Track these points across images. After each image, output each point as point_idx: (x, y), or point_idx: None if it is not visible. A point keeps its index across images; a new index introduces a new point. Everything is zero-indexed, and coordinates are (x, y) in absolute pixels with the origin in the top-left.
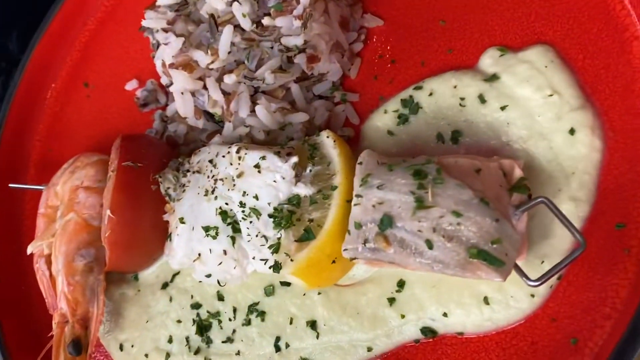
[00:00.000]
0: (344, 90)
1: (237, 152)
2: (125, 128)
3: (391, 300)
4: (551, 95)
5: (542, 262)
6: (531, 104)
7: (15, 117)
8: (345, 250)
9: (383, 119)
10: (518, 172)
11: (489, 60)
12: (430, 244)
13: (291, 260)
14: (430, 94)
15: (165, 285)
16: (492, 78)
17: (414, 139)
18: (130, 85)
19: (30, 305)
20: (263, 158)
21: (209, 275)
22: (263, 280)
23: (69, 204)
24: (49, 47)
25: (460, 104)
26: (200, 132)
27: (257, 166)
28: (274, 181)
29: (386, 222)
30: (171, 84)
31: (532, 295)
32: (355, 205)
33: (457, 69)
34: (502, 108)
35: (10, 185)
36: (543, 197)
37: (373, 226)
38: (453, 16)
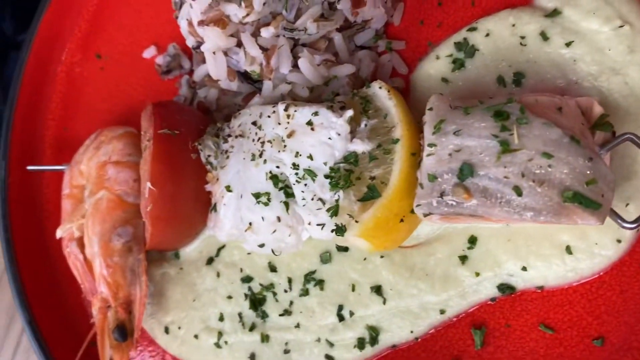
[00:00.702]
0: (388, 39)
1: (286, 109)
2: (147, 99)
3: (463, 259)
4: (622, 26)
5: (627, 204)
6: (599, 37)
7: (26, 97)
8: (418, 206)
9: (435, 66)
10: (598, 109)
11: None
12: (519, 191)
13: (356, 221)
14: (487, 35)
15: (210, 261)
16: (554, 13)
17: (473, 84)
18: (149, 53)
19: (61, 294)
20: (315, 114)
21: (262, 245)
22: (317, 247)
23: (97, 182)
24: (54, 21)
25: (520, 43)
26: (234, 96)
27: (309, 123)
28: (329, 138)
29: (466, 170)
30: (198, 45)
31: (619, 241)
32: (428, 155)
33: (513, 7)
34: (568, 44)
35: (28, 167)
36: (629, 134)
37: (450, 177)
38: None
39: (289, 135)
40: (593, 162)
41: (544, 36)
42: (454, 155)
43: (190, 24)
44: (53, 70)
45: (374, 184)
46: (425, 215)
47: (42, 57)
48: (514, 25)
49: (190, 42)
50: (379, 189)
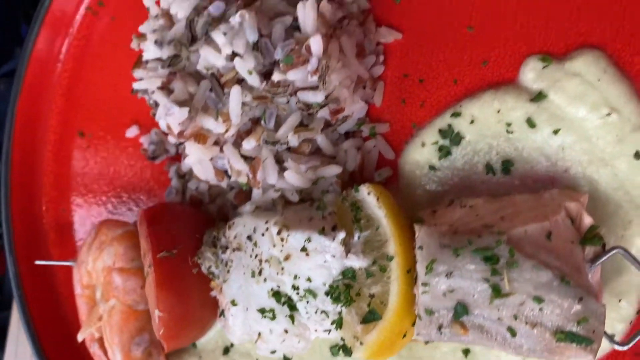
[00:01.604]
0: (371, 122)
1: (278, 233)
2: (138, 177)
3: (466, 352)
4: (609, 114)
5: (620, 300)
6: (587, 125)
7: (17, 183)
8: (418, 334)
9: (422, 153)
10: (587, 221)
11: (531, 74)
12: (513, 332)
13: (360, 343)
14: (472, 122)
15: (226, 351)
16: (539, 97)
17: (461, 172)
18: (131, 132)
19: None
20: (308, 240)
21: (273, 352)
22: (326, 339)
23: (106, 288)
24: (31, 100)
25: (507, 131)
26: (226, 191)
27: (303, 249)
28: (325, 261)
29: (461, 310)
30: (181, 143)
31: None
32: (423, 293)
33: (496, 85)
34: (555, 132)
35: (36, 262)
36: (619, 248)
37: (447, 313)
38: (481, 20)
39: (286, 259)
40: (583, 302)
41: (531, 123)
42: (448, 295)
43: (169, 127)
44: (39, 152)
45: (374, 305)
46: (427, 342)
47: (27, 140)
48: (499, 111)
49: (173, 140)
50: (379, 310)
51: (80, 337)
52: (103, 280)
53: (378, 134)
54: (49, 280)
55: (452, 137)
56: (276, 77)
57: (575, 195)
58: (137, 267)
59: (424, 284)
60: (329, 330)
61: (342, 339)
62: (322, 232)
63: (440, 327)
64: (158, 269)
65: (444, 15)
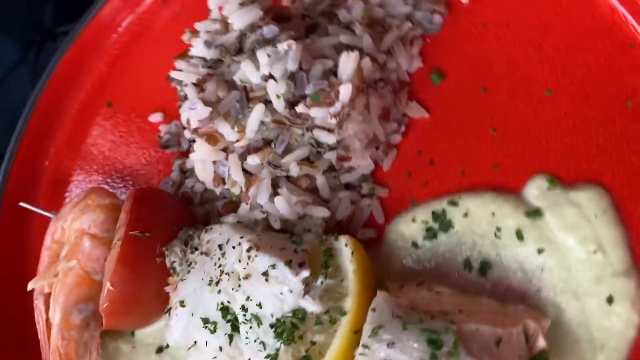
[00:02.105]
0: (373, 182)
1: (248, 250)
2: (142, 163)
3: None
4: (595, 252)
5: None
6: (572, 255)
7: (34, 130)
8: None
9: (410, 228)
10: (541, 344)
11: (535, 191)
12: None
13: None
14: (465, 215)
15: (160, 350)
16: (535, 214)
17: (439, 258)
18: (155, 118)
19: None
20: (273, 267)
21: None
22: None
23: (73, 248)
24: (76, 55)
25: (495, 234)
26: (218, 197)
27: (265, 274)
28: (281, 293)
29: None
30: (193, 140)
31: None
32: (360, 354)
33: (500, 190)
34: (540, 251)
35: (20, 203)
36: None
37: None
38: (506, 126)
39: (246, 277)
40: None
41: (519, 235)
42: None
43: (189, 122)
44: (64, 107)
45: (312, 352)
46: None
47: (58, 92)
48: (494, 214)
49: (188, 135)
50: (315, 359)
51: (30, 286)
52: (73, 241)
53: (376, 195)
54: (23, 225)
55: (443, 222)
56: (300, 108)
57: (539, 316)
58: (109, 238)
59: (365, 346)
60: None
61: None
62: (289, 264)
63: None
64: (125, 244)
65: (473, 111)
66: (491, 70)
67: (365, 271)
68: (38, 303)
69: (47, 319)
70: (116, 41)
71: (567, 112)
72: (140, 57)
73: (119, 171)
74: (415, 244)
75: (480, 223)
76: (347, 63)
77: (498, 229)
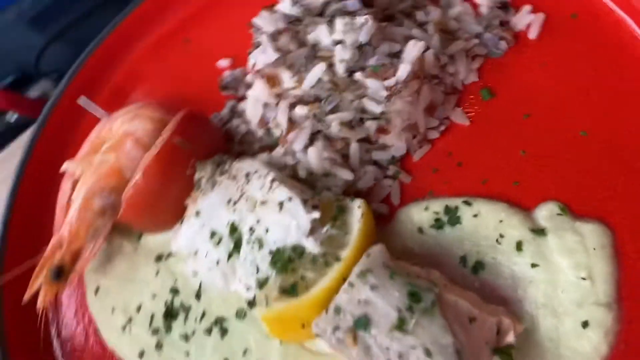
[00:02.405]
0: (400, 167)
1: (272, 181)
2: (199, 99)
3: None
4: (584, 279)
5: None
6: (562, 276)
7: (114, 41)
8: (315, 325)
9: (421, 214)
10: (510, 338)
11: (545, 213)
12: None
13: (266, 304)
14: (475, 216)
15: (159, 258)
16: (539, 232)
17: (439, 249)
18: (223, 62)
19: None
20: (289, 199)
21: (195, 274)
22: (240, 300)
23: (115, 145)
24: None
25: (497, 240)
26: (257, 141)
27: (280, 204)
28: (288, 225)
29: (362, 322)
30: (251, 87)
31: None
32: (344, 291)
33: (513, 203)
34: (533, 265)
35: (80, 98)
36: None
37: (349, 319)
38: (536, 152)
39: (262, 203)
40: None
41: (519, 246)
42: (362, 304)
43: (254, 65)
44: (148, 32)
45: (299, 283)
46: (317, 336)
47: (144, 18)
48: (501, 221)
49: (249, 78)
50: (300, 290)
51: (64, 167)
52: (117, 139)
53: (398, 179)
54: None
55: (453, 217)
56: (358, 76)
57: (515, 320)
58: (149, 145)
59: (350, 283)
60: (249, 288)
61: (254, 296)
62: (305, 202)
63: (335, 329)
64: (165, 147)
65: (510, 131)
66: (538, 101)
67: (369, 233)
68: (64, 185)
69: (69, 200)
70: None
71: (596, 155)
72: (228, 6)
73: (175, 100)
74: (421, 230)
75: (486, 226)
76: (413, 49)
77: (501, 236)
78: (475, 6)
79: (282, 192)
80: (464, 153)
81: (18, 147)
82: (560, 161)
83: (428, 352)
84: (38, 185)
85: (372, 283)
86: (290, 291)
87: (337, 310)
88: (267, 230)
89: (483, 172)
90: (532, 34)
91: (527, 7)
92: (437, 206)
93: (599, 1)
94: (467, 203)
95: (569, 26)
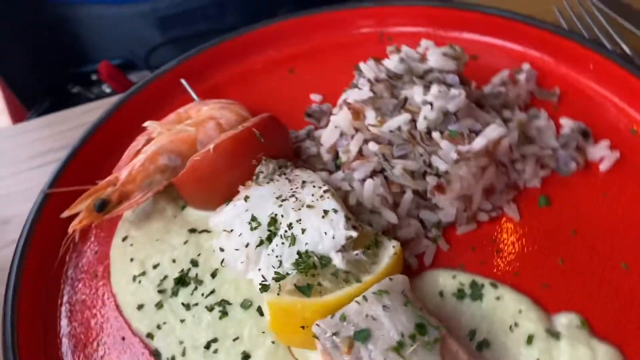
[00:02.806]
0: (442, 233)
1: (325, 191)
2: (283, 116)
3: None
4: None
5: None
6: None
7: (229, 47)
8: (317, 325)
9: (446, 280)
10: None
11: (564, 320)
12: None
13: (277, 293)
14: (498, 299)
15: (192, 231)
16: (554, 334)
17: (453, 315)
18: (315, 97)
19: None
20: (335, 211)
21: (222, 250)
22: (250, 291)
23: (198, 122)
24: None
25: (510, 327)
26: (321, 163)
27: (325, 212)
28: (325, 233)
29: (362, 335)
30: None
31: None
32: (355, 301)
33: (536, 300)
34: None
35: (181, 79)
36: None
37: (352, 328)
38: (574, 266)
39: (308, 206)
40: None
41: (530, 340)
42: (368, 319)
43: (345, 101)
44: (262, 53)
45: (314, 288)
46: (315, 336)
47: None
48: (520, 311)
49: (335, 111)
50: (312, 293)
51: (146, 123)
52: (201, 119)
53: (437, 243)
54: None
55: (475, 292)
56: (435, 135)
57: None
58: (226, 130)
59: (364, 297)
60: (265, 280)
61: (265, 282)
62: (347, 218)
63: (335, 334)
64: (243, 134)
65: (555, 240)
66: (589, 223)
67: (395, 270)
68: (140, 138)
69: (140, 150)
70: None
71: (629, 288)
72: (335, 50)
73: (262, 111)
74: (442, 294)
75: (505, 311)
76: (493, 131)
77: (516, 325)
78: (558, 126)
79: (330, 203)
80: (505, 244)
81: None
82: (594, 283)
83: None
84: (113, 137)
85: (385, 303)
86: (303, 290)
87: (343, 318)
88: (303, 231)
89: (518, 266)
90: (603, 167)
91: (605, 142)
92: (464, 279)
93: None
94: (494, 285)
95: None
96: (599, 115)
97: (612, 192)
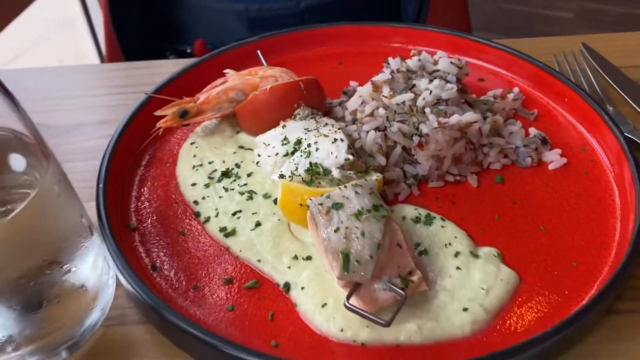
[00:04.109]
0: (417, 184)
1: (338, 128)
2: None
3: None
4: (483, 289)
5: None
6: (470, 282)
7: (289, 39)
8: (310, 200)
9: (410, 211)
10: (416, 278)
11: (487, 250)
12: (337, 229)
13: (290, 180)
14: (442, 227)
15: (241, 147)
16: (474, 255)
17: (407, 232)
18: (353, 83)
19: None
20: (341, 140)
21: (258, 156)
22: (272, 188)
23: (262, 76)
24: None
25: (445, 245)
26: (343, 122)
27: (335, 140)
28: (331, 153)
29: (337, 206)
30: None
31: None
32: (339, 187)
33: (471, 237)
34: (457, 268)
35: (257, 50)
36: (404, 299)
37: (330, 202)
38: (505, 221)
39: (324, 135)
40: (372, 259)
41: (456, 254)
42: (344, 198)
43: (371, 81)
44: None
45: (315, 183)
46: (304, 204)
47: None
48: (455, 237)
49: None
50: (312, 186)
51: (227, 70)
52: (265, 74)
53: (411, 188)
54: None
55: (428, 220)
56: (427, 110)
57: (425, 282)
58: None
59: (345, 186)
60: (284, 175)
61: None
62: (350, 147)
63: (320, 204)
64: (293, 84)
65: (496, 207)
66: (527, 200)
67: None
68: (219, 80)
69: (217, 85)
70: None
71: (540, 243)
72: (376, 50)
73: None
74: (404, 218)
75: (445, 234)
76: (470, 115)
77: (450, 244)
78: (527, 135)
79: (340, 135)
80: (460, 200)
81: None
82: (517, 234)
83: (362, 234)
84: (196, 82)
85: (357, 190)
86: (307, 182)
87: (328, 196)
88: (317, 150)
89: (464, 214)
90: (552, 167)
91: (558, 150)
92: (423, 212)
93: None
94: (442, 219)
95: (579, 177)
96: (562, 133)
97: (552, 184)
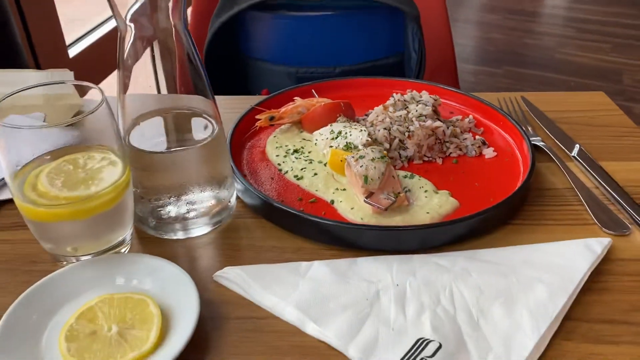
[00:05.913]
0: (407, 162)
1: (363, 127)
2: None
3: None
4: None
5: None
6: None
7: None
8: (348, 157)
9: (400, 172)
10: (402, 195)
11: (444, 191)
12: (362, 165)
13: (336, 148)
14: (419, 179)
15: (303, 139)
16: (435, 192)
17: None
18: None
19: None
20: (363, 131)
21: (315, 139)
22: (324, 159)
23: (317, 101)
24: None
25: (419, 187)
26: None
27: (361, 131)
28: (359, 137)
29: (361, 156)
30: None
31: None
32: (364, 149)
33: (436, 186)
34: (426, 193)
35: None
36: (394, 202)
37: (358, 155)
38: (457, 180)
39: (354, 128)
40: (387, 166)
41: (425, 191)
42: (362, 157)
43: (383, 105)
44: None
45: (349, 150)
46: (346, 162)
47: None
48: (426, 184)
49: (376, 109)
50: (348, 150)
51: (295, 98)
52: (318, 100)
53: (402, 163)
54: None
55: (411, 176)
56: (414, 120)
57: (407, 201)
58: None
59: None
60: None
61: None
62: (368, 134)
63: (352, 158)
64: (337, 103)
65: (450, 175)
66: (474, 172)
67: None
68: (291, 102)
69: (291, 104)
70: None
71: (475, 192)
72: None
73: None
74: (398, 176)
75: (420, 183)
76: (438, 123)
77: (422, 187)
78: (474, 135)
79: (363, 129)
80: (430, 170)
81: None
82: (461, 186)
83: (374, 168)
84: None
85: (372, 149)
86: (344, 149)
87: (357, 153)
88: (350, 135)
89: (433, 176)
90: (487, 157)
91: (492, 148)
92: (409, 174)
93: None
94: (419, 177)
95: (502, 162)
96: (496, 140)
97: (487, 165)
